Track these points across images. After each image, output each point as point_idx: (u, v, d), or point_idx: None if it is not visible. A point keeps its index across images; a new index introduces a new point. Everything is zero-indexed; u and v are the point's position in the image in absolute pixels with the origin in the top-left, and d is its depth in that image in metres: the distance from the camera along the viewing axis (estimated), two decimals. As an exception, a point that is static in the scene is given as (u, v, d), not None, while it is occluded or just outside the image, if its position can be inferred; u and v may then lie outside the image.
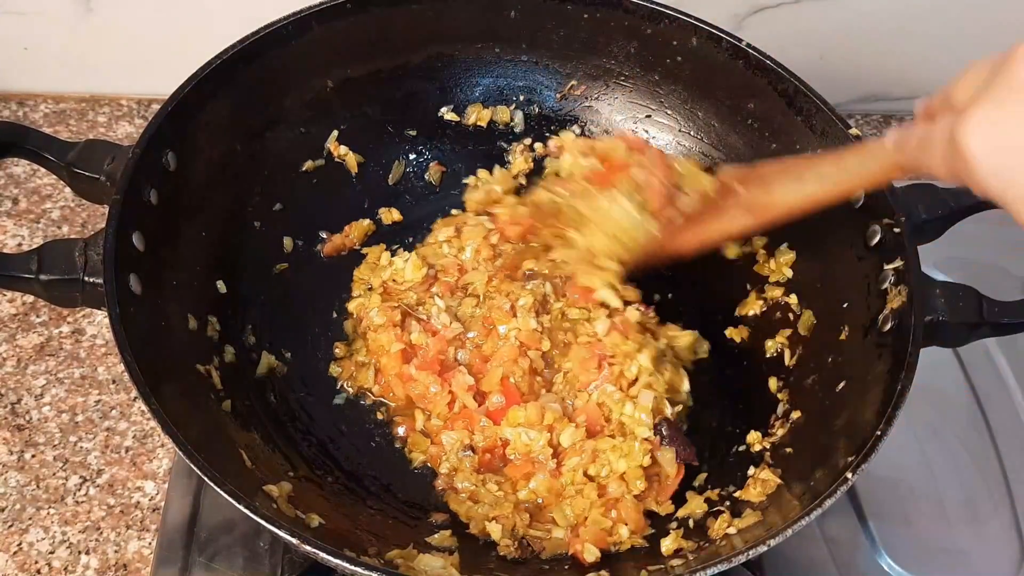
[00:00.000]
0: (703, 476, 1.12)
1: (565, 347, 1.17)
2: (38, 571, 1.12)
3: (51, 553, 1.14)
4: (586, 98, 1.37)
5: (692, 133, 1.33)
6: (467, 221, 1.29)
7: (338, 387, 1.19)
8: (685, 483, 1.11)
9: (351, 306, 1.24)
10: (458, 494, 1.09)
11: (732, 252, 1.26)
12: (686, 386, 1.18)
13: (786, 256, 1.23)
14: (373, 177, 1.33)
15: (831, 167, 1.00)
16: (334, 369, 1.21)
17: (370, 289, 1.24)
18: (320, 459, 1.12)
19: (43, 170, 1.19)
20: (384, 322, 1.18)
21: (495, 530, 1.05)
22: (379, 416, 1.18)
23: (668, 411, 1.13)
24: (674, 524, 1.06)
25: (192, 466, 0.87)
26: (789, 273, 1.23)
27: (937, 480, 1.24)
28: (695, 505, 1.07)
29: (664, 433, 1.10)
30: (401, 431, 1.16)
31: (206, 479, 0.86)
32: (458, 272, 1.23)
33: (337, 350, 1.22)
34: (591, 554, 1.02)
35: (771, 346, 1.20)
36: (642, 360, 1.13)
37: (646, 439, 1.10)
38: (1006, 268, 1.45)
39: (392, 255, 1.27)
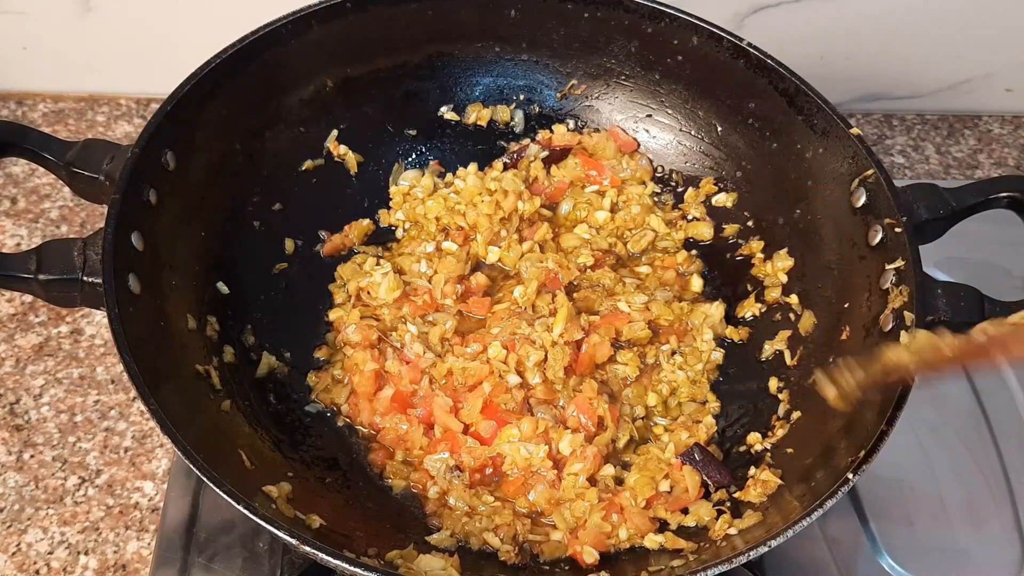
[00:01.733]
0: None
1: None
2: (37, 572, 1.12)
3: (50, 554, 1.13)
4: (586, 97, 1.37)
5: (693, 132, 1.33)
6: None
7: (312, 397, 1.17)
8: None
9: (332, 316, 1.22)
10: (452, 511, 1.07)
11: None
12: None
13: (784, 262, 1.22)
14: (373, 177, 1.33)
15: None
16: (311, 378, 1.18)
17: (347, 295, 1.23)
18: (320, 459, 1.11)
19: (42, 169, 1.19)
20: (360, 340, 1.17)
21: (496, 541, 1.04)
22: (358, 437, 1.15)
23: (703, 435, 1.13)
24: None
25: (191, 466, 0.87)
26: (784, 279, 1.23)
27: (938, 480, 1.23)
28: (704, 511, 1.06)
29: (697, 459, 1.09)
30: (375, 458, 1.13)
31: (205, 479, 0.86)
32: (428, 297, 1.21)
33: (319, 353, 1.20)
34: (590, 556, 1.02)
35: (772, 346, 1.20)
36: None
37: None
38: (1007, 268, 1.44)
39: (377, 263, 1.25)
